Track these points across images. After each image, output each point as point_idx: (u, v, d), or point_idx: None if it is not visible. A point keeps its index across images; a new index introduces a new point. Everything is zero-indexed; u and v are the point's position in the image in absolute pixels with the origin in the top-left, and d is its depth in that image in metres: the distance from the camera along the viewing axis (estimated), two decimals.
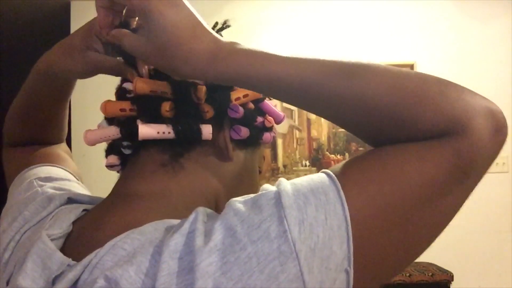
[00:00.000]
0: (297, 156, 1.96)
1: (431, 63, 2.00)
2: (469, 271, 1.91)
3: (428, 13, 2.01)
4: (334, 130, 1.99)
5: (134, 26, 0.48)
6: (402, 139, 0.42)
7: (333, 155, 1.97)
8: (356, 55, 1.96)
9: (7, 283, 0.45)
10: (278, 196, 0.39)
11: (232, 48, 0.43)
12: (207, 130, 0.50)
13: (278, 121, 0.58)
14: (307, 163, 1.95)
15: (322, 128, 1.99)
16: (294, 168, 1.94)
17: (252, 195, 0.41)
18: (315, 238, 0.37)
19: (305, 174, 0.44)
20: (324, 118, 0.47)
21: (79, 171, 0.72)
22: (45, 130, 0.70)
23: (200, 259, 0.36)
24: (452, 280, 1.81)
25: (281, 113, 0.57)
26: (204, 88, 0.49)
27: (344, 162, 0.43)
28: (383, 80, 0.42)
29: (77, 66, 0.53)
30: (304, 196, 0.39)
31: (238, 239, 0.37)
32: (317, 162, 1.96)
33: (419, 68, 1.99)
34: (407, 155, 0.41)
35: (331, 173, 0.41)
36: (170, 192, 0.48)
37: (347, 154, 1.97)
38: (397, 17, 2.02)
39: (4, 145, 0.72)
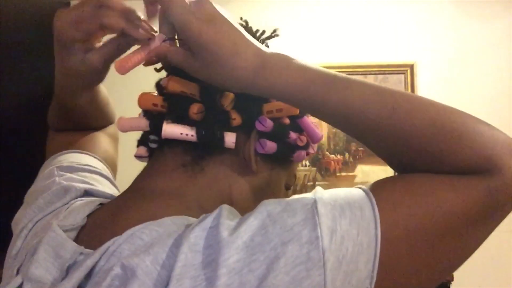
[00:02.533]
0: None
1: (431, 63, 2.00)
2: (469, 271, 1.91)
3: (428, 13, 2.01)
4: (334, 130, 1.99)
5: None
6: (433, 170, 0.43)
7: (333, 155, 1.97)
8: (356, 55, 1.94)
9: (17, 272, 0.45)
10: (314, 202, 0.39)
11: (275, 64, 0.43)
12: (230, 139, 0.49)
13: (315, 140, 0.57)
14: (307, 163, 1.95)
15: (322, 128, 1.99)
16: None
17: (286, 198, 0.41)
18: (344, 251, 0.37)
19: (305, 175, 0.44)
20: (357, 139, 0.48)
21: (114, 155, 0.72)
22: (87, 123, 0.70)
23: (228, 255, 0.36)
24: (452, 280, 1.81)
25: (319, 133, 0.55)
26: (231, 95, 0.49)
27: (377, 181, 0.44)
28: (423, 115, 0.43)
29: (90, 76, 0.53)
30: (341, 207, 0.39)
31: (269, 239, 0.36)
32: (317, 162, 1.96)
33: (419, 68, 1.99)
34: (441, 184, 0.42)
35: (368, 190, 0.41)
36: (186, 192, 0.49)
37: (347, 154, 1.97)
38: (397, 17, 2.01)
39: (50, 129, 0.73)
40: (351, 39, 2.00)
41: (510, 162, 0.41)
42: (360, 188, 0.42)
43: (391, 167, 0.47)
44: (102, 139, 0.71)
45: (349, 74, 1.69)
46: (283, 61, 0.44)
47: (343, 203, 0.39)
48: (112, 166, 0.70)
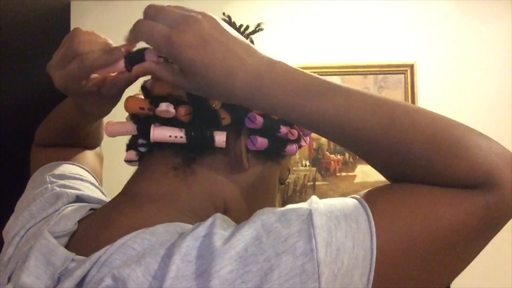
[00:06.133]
0: (297, 156, 1.96)
1: (431, 63, 2.00)
2: (469, 271, 1.91)
3: (428, 13, 2.01)
4: None
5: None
6: (430, 183, 0.42)
7: (333, 155, 1.97)
8: (356, 55, 1.93)
9: (9, 279, 0.45)
10: (309, 214, 0.38)
11: (272, 82, 0.42)
12: (220, 138, 0.48)
13: (306, 133, 0.56)
14: (307, 163, 1.95)
15: None
16: (294, 168, 1.94)
17: (281, 208, 0.40)
18: (339, 264, 0.36)
19: (305, 175, 0.44)
20: (352, 152, 0.48)
21: (101, 173, 0.72)
22: (79, 142, 0.71)
23: (221, 266, 0.35)
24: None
25: None
26: None
27: (373, 189, 0.43)
28: (421, 128, 0.42)
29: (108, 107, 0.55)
30: (337, 219, 0.38)
31: (262, 250, 0.36)
32: (317, 162, 1.96)
33: (419, 68, 1.99)
34: (440, 198, 0.41)
35: (364, 201, 0.40)
36: (178, 196, 0.48)
37: (347, 154, 1.97)
38: (397, 17, 2.01)
39: (34, 144, 0.73)
40: (351, 39, 2.00)
41: (508, 176, 0.41)
42: (356, 198, 0.42)
43: (387, 178, 0.47)
44: (90, 155, 0.71)
45: (349, 74, 1.67)
46: (281, 77, 0.42)
47: (339, 214, 0.38)
48: (99, 180, 0.70)
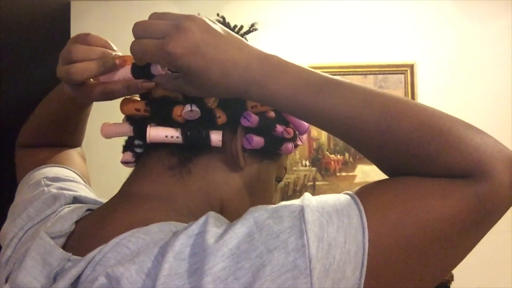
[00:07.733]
0: (297, 156, 1.96)
1: (431, 63, 2.00)
2: (469, 271, 1.91)
3: (428, 13, 2.01)
4: None
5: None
6: (422, 173, 0.42)
7: (333, 155, 1.97)
8: (356, 55, 1.93)
9: (6, 280, 0.45)
10: (301, 210, 0.38)
11: (265, 75, 0.43)
12: (216, 137, 0.49)
13: (302, 132, 0.56)
14: (307, 163, 1.95)
15: None
16: (294, 168, 1.94)
17: (274, 205, 0.40)
18: (331, 259, 0.36)
19: (305, 175, 0.44)
20: (347, 143, 0.48)
21: (88, 173, 0.72)
22: (64, 137, 0.71)
23: (214, 263, 0.35)
24: (452, 280, 1.81)
25: (305, 124, 0.55)
26: None
27: (366, 186, 0.44)
28: (412, 119, 0.43)
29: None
30: (328, 214, 0.38)
31: (254, 246, 0.36)
32: (317, 162, 1.96)
33: (419, 68, 1.99)
34: (430, 190, 0.41)
35: (356, 196, 0.41)
36: (175, 195, 0.48)
37: (347, 154, 1.97)
38: (397, 17, 2.02)
39: (17, 145, 0.73)
40: (351, 39, 2.00)
41: (499, 167, 0.41)
42: (348, 194, 0.42)
43: (381, 170, 0.47)
44: (76, 157, 0.72)
45: (349, 74, 1.68)
46: (273, 70, 0.43)
47: (330, 210, 0.39)
48: (88, 183, 0.70)
